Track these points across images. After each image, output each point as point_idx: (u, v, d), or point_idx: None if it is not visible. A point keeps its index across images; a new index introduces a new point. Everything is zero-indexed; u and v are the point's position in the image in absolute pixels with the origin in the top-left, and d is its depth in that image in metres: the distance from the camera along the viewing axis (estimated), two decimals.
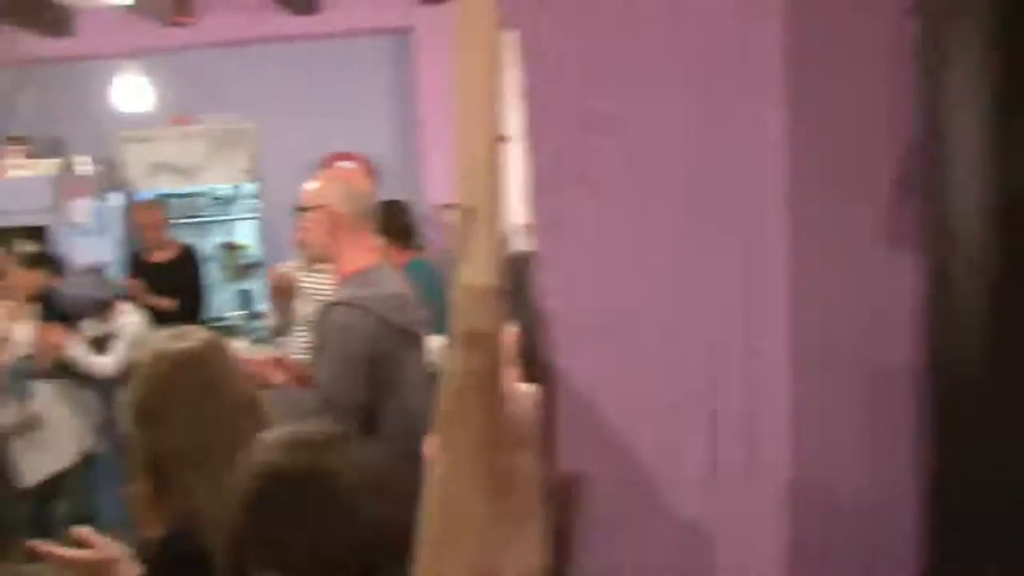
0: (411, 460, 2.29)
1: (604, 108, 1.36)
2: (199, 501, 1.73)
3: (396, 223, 4.29)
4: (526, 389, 1.11)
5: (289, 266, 4.83)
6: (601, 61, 1.36)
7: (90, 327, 5.03)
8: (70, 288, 5.04)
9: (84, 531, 1.81)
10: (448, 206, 5.42)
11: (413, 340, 2.70)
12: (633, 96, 1.38)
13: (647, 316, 1.51)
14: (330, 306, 2.58)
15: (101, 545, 1.78)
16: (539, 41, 1.43)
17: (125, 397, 4.74)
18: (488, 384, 0.79)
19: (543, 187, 1.42)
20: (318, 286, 4.76)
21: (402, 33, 5.69)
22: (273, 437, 1.50)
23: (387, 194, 5.69)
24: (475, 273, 0.75)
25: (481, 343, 0.76)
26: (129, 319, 5.04)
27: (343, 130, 5.85)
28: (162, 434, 1.78)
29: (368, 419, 2.50)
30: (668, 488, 1.49)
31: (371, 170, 5.77)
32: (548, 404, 1.39)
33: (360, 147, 5.82)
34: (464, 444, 0.79)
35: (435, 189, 5.60)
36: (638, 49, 1.35)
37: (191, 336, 1.88)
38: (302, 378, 2.77)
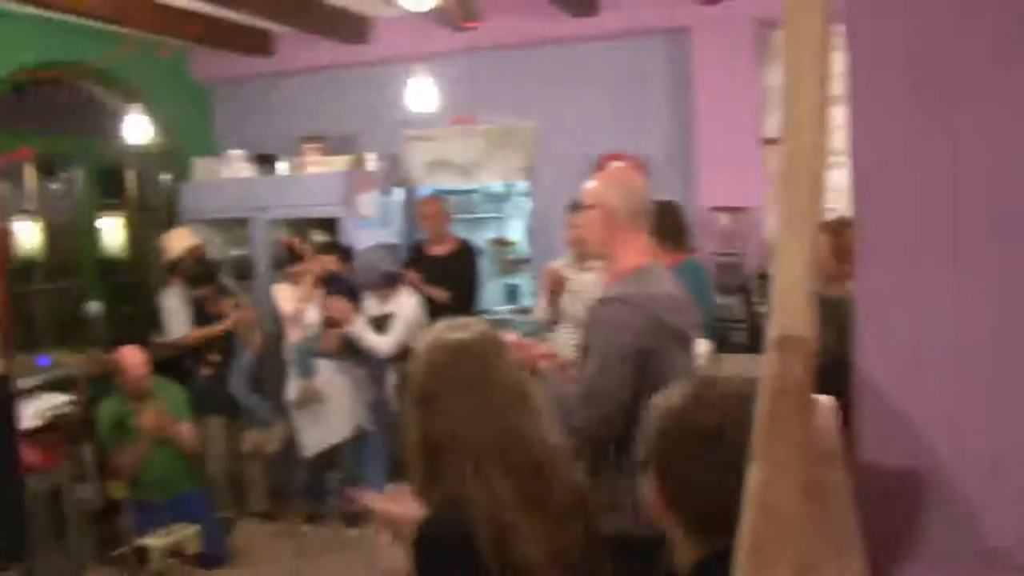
0: None
1: (937, 108, 1.25)
2: (467, 487, 1.78)
3: (668, 224, 4.24)
4: (827, 401, 1.05)
5: (559, 263, 4.93)
6: (936, 55, 1.25)
7: (372, 306, 5.35)
8: (364, 258, 5.36)
9: (399, 489, 1.92)
10: (734, 209, 5.33)
11: (683, 341, 2.65)
12: (970, 96, 1.26)
13: (973, 333, 1.36)
14: (602, 302, 2.59)
15: (407, 504, 1.88)
16: (868, 33, 1.33)
17: (400, 379, 5.02)
18: (805, 392, 0.75)
19: (863, 188, 1.33)
20: (587, 284, 4.83)
21: (679, 33, 5.65)
22: (681, 390, 1.51)
23: (661, 195, 5.69)
24: (793, 278, 0.72)
25: (798, 349, 0.73)
26: (407, 302, 5.32)
27: (617, 130, 5.87)
28: (436, 420, 1.84)
29: (630, 418, 2.48)
30: (984, 516, 1.35)
31: (644, 171, 5.76)
32: (849, 417, 1.31)
33: (633, 148, 5.82)
34: (782, 452, 0.75)
35: (708, 191, 5.51)
36: (978, 42, 1.23)
37: (469, 327, 1.94)
38: (566, 370, 2.82)
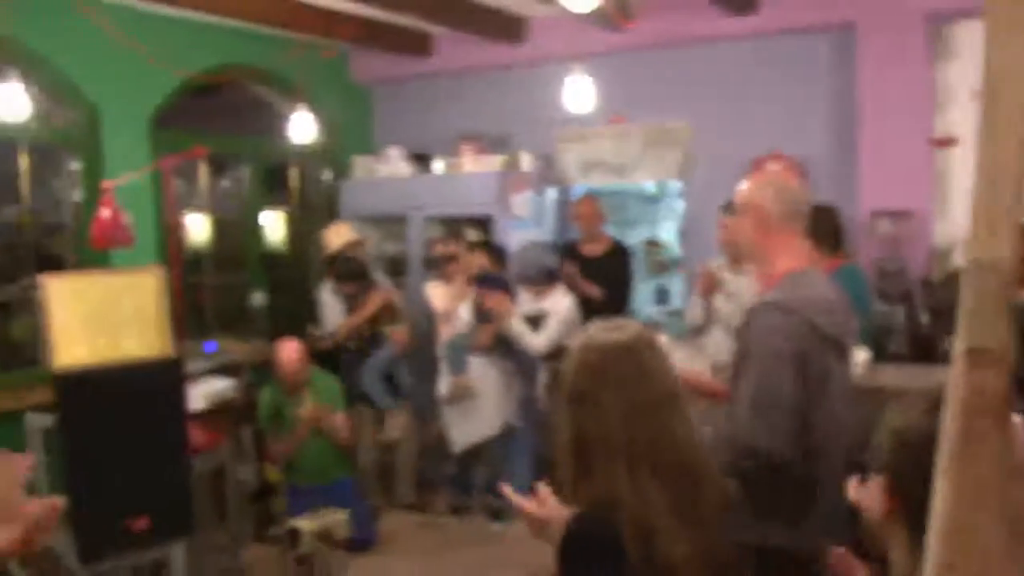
0: (838, 473, 2.13)
1: None
2: (617, 488, 1.77)
3: (824, 227, 4.07)
4: (1018, 419, 0.97)
5: (716, 264, 4.81)
6: None
7: (526, 302, 5.36)
8: (523, 253, 5.38)
9: (543, 488, 1.93)
10: (898, 213, 5.08)
11: (839, 348, 2.53)
12: None
13: None
14: (758, 308, 2.49)
15: (550, 504, 1.89)
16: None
17: (552, 378, 5.01)
18: (999, 408, 0.68)
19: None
20: (742, 287, 4.70)
21: (844, 29, 5.42)
22: (922, 402, 1.48)
23: (820, 197, 5.47)
24: (987, 285, 0.65)
25: (994, 362, 0.66)
26: (562, 300, 5.30)
27: (774, 130, 5.68)
28: (588, 420, 1.84)
29: (801, 427, 2.38)
30: None
31: (802, 172, 5.56)
32: None
33: (791, 148, 5.62)
34: (979, 473, 0.69)
35: (870, 194, 5.26)
36: None
37: (624, 329, 1.92)
38: (720, 395, 2.75)
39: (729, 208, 2.72)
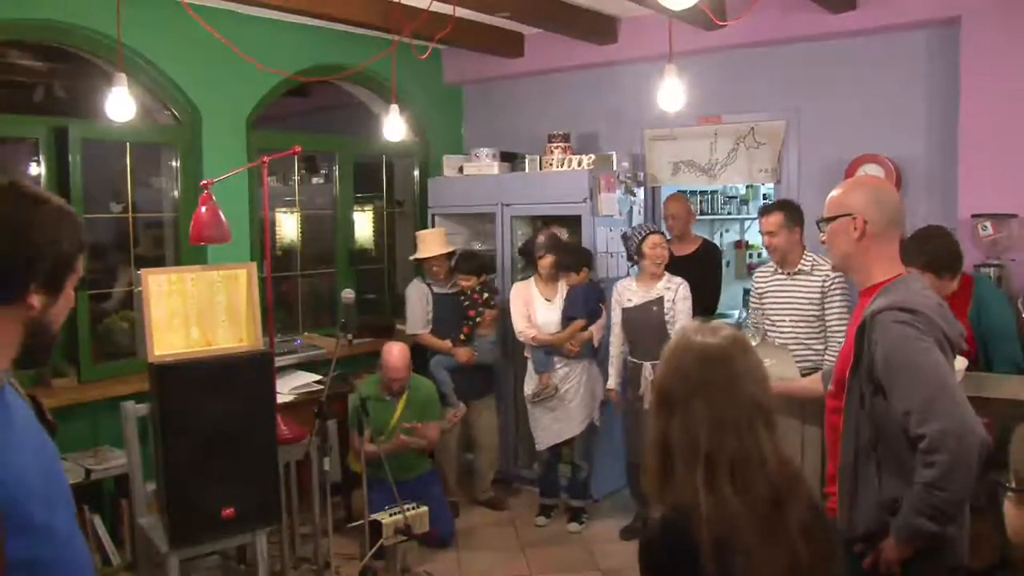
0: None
1: None
2: (695, 499, 1.72)
3: (944, 258, 3.96)
4: None
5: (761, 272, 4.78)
6: None
7: (632, 292, 5.31)
8: (631, 233, 5.37)
9: None
10: (1001, 216, 4.88)
11: (953, 353, 2.45)
12: None
13: None
14: (881, 314, 2.36)
15: None
16: None
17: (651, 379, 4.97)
18: None
19: None
20: (789, 289, 4.68)
21: (947, 24, 5.21)
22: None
23: (918, 200, 5.29)
24: None
25: None
26: (677, 282, 5.25)
27: (871, 131, 5.50)
28: (676, 423, 1.80)
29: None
30: None
31: (900, 175, 5.38)
32: None
33: (888, 149, 5.44)
34: None
35: (971, 195, 5.05)
36: None
37: (719, 332, 1.87)
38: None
39: (823, 219, 2.64)
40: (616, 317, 5.30)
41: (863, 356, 2.40)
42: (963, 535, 2.39)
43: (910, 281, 2.48)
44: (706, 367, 1.80)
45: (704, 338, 1.85)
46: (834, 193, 2.60)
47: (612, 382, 5.33)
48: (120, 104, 4.42)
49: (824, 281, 4.57)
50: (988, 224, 4.92)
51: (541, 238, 5.71)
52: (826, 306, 4.56)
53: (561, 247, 5.64)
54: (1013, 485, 1.52)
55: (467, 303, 5.86)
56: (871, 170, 5.41)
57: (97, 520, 4.74)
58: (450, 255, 5.99)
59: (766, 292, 4.81)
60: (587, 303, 5.48)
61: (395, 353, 5.21)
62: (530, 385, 5.63)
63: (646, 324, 5.15)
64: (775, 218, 4.70)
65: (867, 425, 2.40)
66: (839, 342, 4.39)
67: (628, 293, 5.27)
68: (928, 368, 2.27)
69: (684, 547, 1.69)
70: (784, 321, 4.67)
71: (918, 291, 2.44)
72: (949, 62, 5.23)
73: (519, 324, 5.56)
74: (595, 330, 5.48)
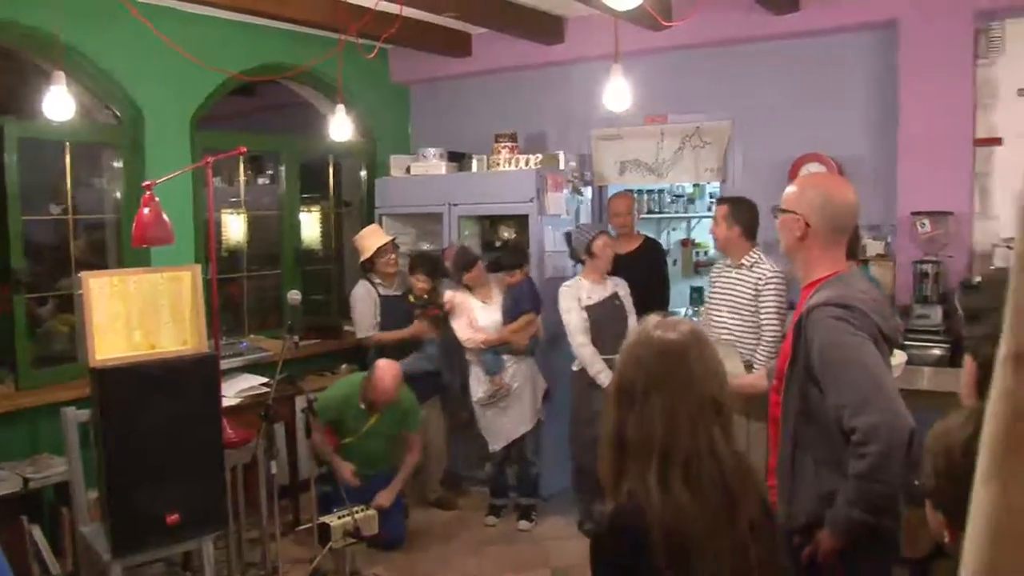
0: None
1: None
2: (649, 488, 1.73)
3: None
4: None
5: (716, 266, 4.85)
6: None
7: (586, 292, 5.32)
8: (576, 233, 5.40)
9: None
10: (937, 213, 4.99)
11: (889, 347, 2.50)
12: None
13: None
14: (817, 309, 2.41)
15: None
16: None
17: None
18: None
19: None
20: (734, 280, 4.75)
21: (886, 27, 5.32)
22: (963, 420, 1.47)
23: (860, 197, 5.36)
24: None
25: None
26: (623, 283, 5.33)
27: (817, 131, 5.59)
28: (631, 417, 1.80)
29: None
30: None
31: (842, 173, 5.48)
32: None
33: (832, 149, 5.53)
34: (1021, 479, 0.67)
35: (909, 194, 5.16)
36: None
37: (679, 328, 1.88)
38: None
39: (774, 209, 2.68)
40: (576, 316, 5.24)
41: (800, 351, 2.44)
42: (898, 526, 2.44)
43: (848, 278, 2.52)
44: (665, 362, 1.81)
45: (664, 333, 1.85)
46: (791, 188, 2.64)
47: (604, 377, 5.02)
48: (59, 103, 4.33)
49: (759, 280, 4.62)
50: (926, 222, 5.03)
51: (453, 256, 5.73)
52: (760, 304, 4.63)
53: (469, 257, 5.66)
54: (924, 485, 1.53)
55: (418, 306, 5.80)
56: (814, 169, 5.49)
57: (36, 531, 4.62)
58: (395, 246, 5.96)
59: (714, 283, 4.89)
60: (532, 298, 5.53)
61: (388, 379, 5.05)
62: (480, 389, 5.61)
63: (612, 319, 5.20)
64: (721, 209, 4.79)
65: (804, 419, 2.44)
66: (771, 339, 4.50)
67: (585, 292, 5.27)
68: (860, 363, 2.31)
69: (636, 541, 1.70)
70: (721, 312, 4.76)
71: (855, 287, 2.47)
72: (889, 64, 5.33)
73: (464, 333, 5.57)
74: (539, 323, 5.54)
